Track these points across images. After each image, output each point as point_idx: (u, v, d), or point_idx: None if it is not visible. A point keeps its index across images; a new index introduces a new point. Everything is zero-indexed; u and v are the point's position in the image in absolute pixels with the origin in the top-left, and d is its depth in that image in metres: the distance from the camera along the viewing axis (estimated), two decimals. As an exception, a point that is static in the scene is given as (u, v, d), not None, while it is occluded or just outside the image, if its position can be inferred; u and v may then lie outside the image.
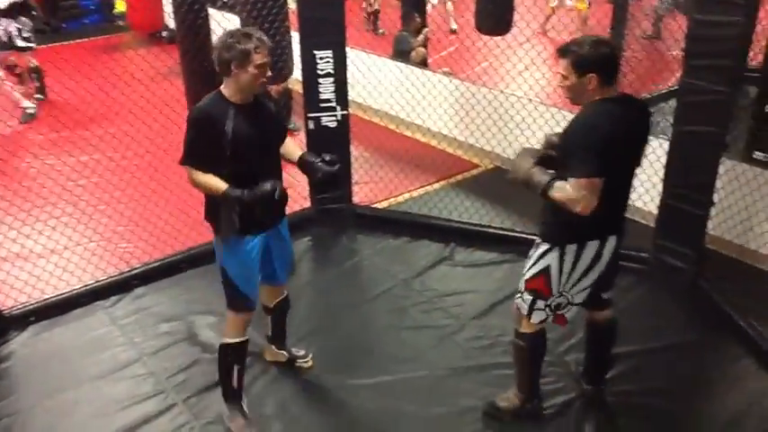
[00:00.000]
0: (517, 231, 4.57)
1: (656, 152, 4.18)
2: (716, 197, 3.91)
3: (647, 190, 4.37)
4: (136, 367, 3.50)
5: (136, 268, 4.23)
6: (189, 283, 4.16)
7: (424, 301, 3.94)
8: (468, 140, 5.89)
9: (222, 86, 2.74)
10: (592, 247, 2.70)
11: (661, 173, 4.03)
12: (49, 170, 4.98)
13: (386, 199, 5.21)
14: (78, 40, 9.69)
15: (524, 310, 2.88)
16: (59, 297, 3.97)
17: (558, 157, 2.68)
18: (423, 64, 6.85)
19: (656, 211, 4.13)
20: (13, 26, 6.99)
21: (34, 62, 7.22)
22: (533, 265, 2.81)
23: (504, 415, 3.10)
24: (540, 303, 2.83)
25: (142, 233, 4.56)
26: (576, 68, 2.53)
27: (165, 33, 9.70)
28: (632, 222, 4.55)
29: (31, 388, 3.38)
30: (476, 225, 4.69)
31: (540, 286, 2.80)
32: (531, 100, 5.32)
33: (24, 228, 4.29)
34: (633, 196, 4.50)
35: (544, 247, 2.77)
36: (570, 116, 4.91)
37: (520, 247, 4.42)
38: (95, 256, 4.39)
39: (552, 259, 2.74)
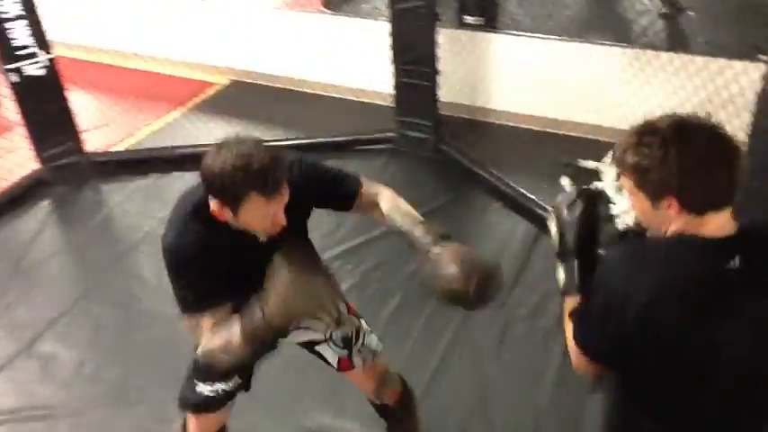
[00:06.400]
0: (270, 140, 4.52)
1: (380, 34, 4.30)
2: (440, 66, 4.14)
3: (380, 73, 4.51)
4: None
5: None
6: None
7: (189, 234, 3.80)
8: (196, 60, 5.61)
9: None
10: None
11: (390, 54, 4.16)
12: None
13: (124, 139, 4.84)
14: None
15: None
16: None
17: None
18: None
19: (393, 91, 4.30)
20: None
21: None
22: None
23: None
24: None
25: None
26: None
27: None
28: (374, 106, 4.77)
29: None
30: (227, 144, 4.54)
31: None
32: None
33: None
34: (371, 80, 4.74)
35: None
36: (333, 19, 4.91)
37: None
38: None
39: None
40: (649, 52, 4.09)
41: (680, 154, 1.29)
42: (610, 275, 1.39)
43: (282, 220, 1.72)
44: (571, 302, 1.55)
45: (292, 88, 5.21)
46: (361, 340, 2.15)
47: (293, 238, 1.83)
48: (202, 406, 2.14)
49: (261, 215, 1.68)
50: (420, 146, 4.25)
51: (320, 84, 5.08)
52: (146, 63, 5.54)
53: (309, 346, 2.16)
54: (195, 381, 2.11)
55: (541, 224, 3.26)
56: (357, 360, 2.15)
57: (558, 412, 2.69)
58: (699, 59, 3.91)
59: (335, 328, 2.08)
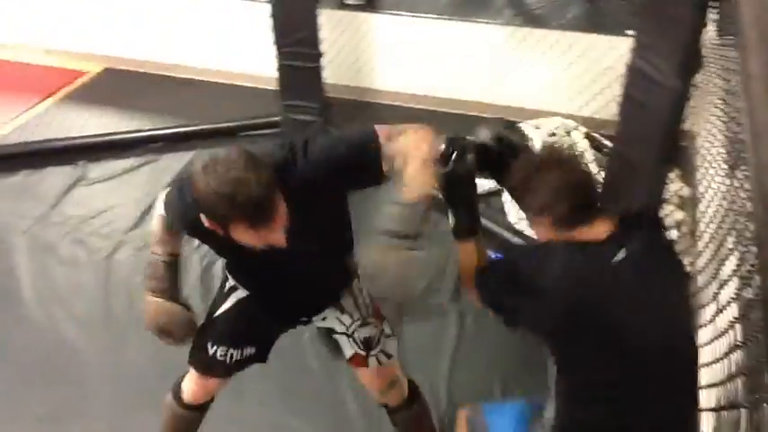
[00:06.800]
0: (146, 130, 4.35)
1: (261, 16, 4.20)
2: (324, 47, 4.09)
3: (264, 56, 4.41)
4: None
5: None
6: None
7: (69, 232, 3.59)
8: (64, 47, 5.28)
9: None
10: None
11: (271, 36, 4.07)
12: None
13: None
14: None
15: None
16: None
17: None
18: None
19: (277, 75, 4.21)
20: None
21: None
22: None
23: None
24: None
25: None
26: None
27: None
28: (260, 90, 4.66)
29: None
30: (102, 135, 4.31)
31: None
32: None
33: None
34: (255, 65, 4.58)
35: None
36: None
37: (155, 146, 4.26)
38: None
39: None
40: (528, 30, 4.21)
41: (542, 186, 1.54)
42: (521, 261, 1.67)
43: (280, 242, 1.56)
44: (464, 244, 1.73)
45: (171, 75, 5.01)
46: (381, 345, 2.09)
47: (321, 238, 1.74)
48: (209, 368, 2.04)
49: (253, 240, 1.55)
50: (308, 129, 4.19)
51: (200, 69, 4.92)
52: (7, 51, 5.17)
53: (328, 331, 2.09)
54: (207, 341, 2.00)
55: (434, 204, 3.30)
56: (372, 361, 2.10)
57: (454, 388, 2.72)
58: (574, 35, 4.07)
59: (360, 325, 2.05)
